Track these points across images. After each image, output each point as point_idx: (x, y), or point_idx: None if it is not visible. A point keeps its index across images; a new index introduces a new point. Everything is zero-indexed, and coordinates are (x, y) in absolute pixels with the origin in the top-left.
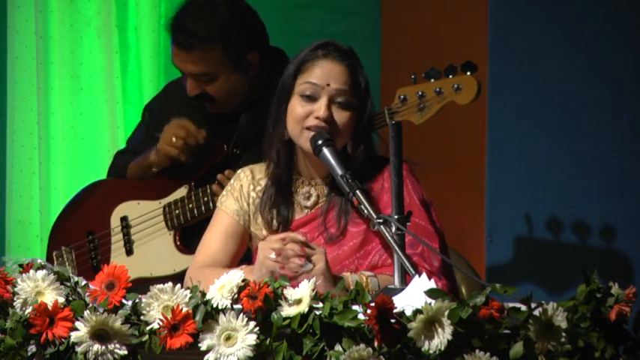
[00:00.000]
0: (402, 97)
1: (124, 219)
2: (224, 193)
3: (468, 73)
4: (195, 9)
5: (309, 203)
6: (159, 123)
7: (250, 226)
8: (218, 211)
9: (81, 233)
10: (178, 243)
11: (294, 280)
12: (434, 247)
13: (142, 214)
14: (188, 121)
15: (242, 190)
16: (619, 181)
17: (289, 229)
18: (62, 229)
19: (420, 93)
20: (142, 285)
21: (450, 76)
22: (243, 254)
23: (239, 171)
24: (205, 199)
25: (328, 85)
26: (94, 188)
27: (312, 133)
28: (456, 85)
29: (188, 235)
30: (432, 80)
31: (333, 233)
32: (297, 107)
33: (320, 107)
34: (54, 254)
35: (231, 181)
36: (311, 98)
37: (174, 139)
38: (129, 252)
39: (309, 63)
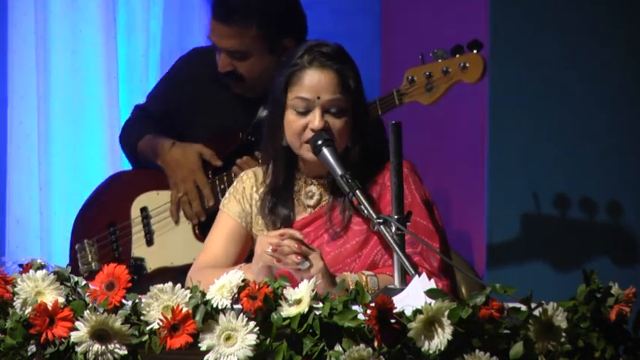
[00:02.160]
0: (410, 77)
1: (143, 209)
2: (226, 196)
3: (475, 52)
4: None
5: (312, 202)
6: (180, 92)
7: (252, 227)
8: (220, 214)
9: (102, 225)
10: (197, 232)
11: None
12: (434, 247)
13: (162, 204)
14: (199, 198)
15: (244, 192)
16: (620, 182)
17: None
18: (84, 222)
19: (427, 73)
20: (163, 275)
21: (457, 55)
22: (246, 256)
23: (242, 173)
24: (222, 186)
25: (319, 97)
26: (114, 180)
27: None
28: (462, 64)
29: (206, 224)
30: (439, 60)
31: (337, 231)
32: (292, 121)
33: (314, 119)
34: (76, 247)
35: (234, 183)
36: (304, 111)
37: (181, 195)
38: (149, 242)
39: (296, 75)
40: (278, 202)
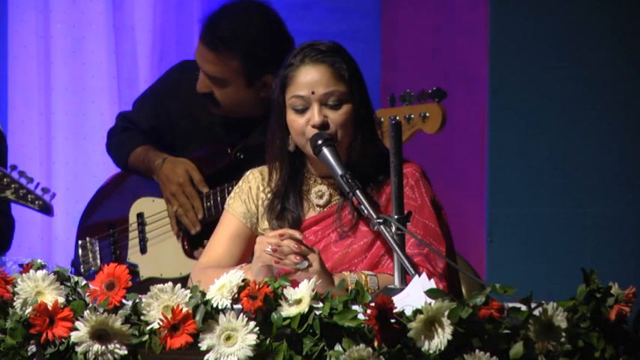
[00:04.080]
0: (378, 119)
1: (140, 215)
2: (232, 195)
3: (437, 101)
4: (233, 13)
5: (321, 202)
6: (169, 107)
7: (258, 227)
8: (225, 214)
9: (105, 225)
10: (186, 247)
11: (291, 277)
12: (440, 250)
13: (156, 212)
14: (193, 209)
15: (250, 191)
16: (619, 181)
17: (301, 228)
18: (88, 220)
19: (392, 118)
20: (153, 285)
21: (421, 102)
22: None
23: (247, 173)
24: (208, 204)
25: (313, 92)
26: (118, 180)
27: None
28: (422, 114)
29: (195, 239)
30: (405, 105)
31: (346, 231)
32: (294, 121)
33: (313, 115)
34: (79, 243)
35: (239, 183)
36: (303, 109)
37: (176, 208)
38: (143, 250)
39: (290, 75)
40: (285, 207)
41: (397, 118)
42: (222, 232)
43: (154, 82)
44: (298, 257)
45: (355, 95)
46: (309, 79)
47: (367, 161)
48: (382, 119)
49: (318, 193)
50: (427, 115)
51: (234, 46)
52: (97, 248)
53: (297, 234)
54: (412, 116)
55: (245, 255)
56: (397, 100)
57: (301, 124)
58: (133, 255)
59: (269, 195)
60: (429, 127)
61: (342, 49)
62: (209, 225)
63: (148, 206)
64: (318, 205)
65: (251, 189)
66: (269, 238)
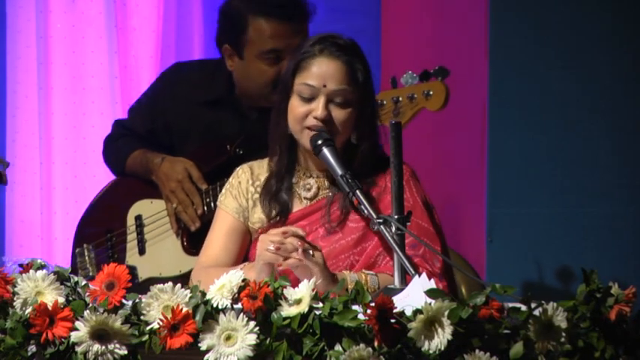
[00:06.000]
0: (379, 101)
1: (138, 218)
2: (223, 192)
3: (439, 79)
4: None
5: (309, 195)
6: (166, 111)
7: (249, 222)
8: (218, 211)
9: (102, 231)
10: (185, 244)
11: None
12: (435, 249)
13: (154, 212)
14: (193, 205)
15: (240, 186)
16: (619, 181)
17: (288, 220)
18: (85, 227)
19: (394, 98)
20: (152, 285)
21: (423, 82)
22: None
23: (237, 168)
24: (208, 199)
25: (325, 86)
26: (115, 186)
27: (313, 133)
28: (426, 92)
29: (194, 236)
30: (407, 85)
31: (333, 226)
32: (296, 107)
33: (317, 108)
34: (76, 252)
35: (230, 179)
36: (309, 98)
37: (175, 205)
38: (141, 251)
39: (306, 61)
40: (281, 188)
41: (400, 98)
42: (217, 230)
43: (148, 88)
44: (301, 252)
45: (365, 100)
46: (324, 71)
47: (361, 160)
48: (384, 101)
49: (307, 186)
50: (430, 92)
51: (303, 10)
52: (94, 254)
53: (299, 231)
54: (415, 95)
55: (242, 250)
56: (399, 82)
57: (302, 112)
58: (132, 257)
59: (258, 189)
60: (432, 104)
61: (360, 49)
62: (209, 221)
63: (146, 208)
64: (305, 198)
65: (241, 184)
66: (271, 236)
